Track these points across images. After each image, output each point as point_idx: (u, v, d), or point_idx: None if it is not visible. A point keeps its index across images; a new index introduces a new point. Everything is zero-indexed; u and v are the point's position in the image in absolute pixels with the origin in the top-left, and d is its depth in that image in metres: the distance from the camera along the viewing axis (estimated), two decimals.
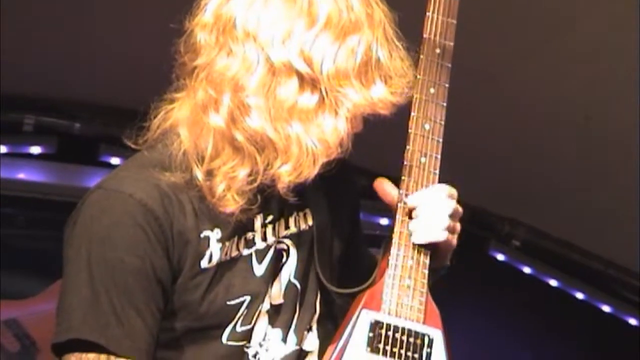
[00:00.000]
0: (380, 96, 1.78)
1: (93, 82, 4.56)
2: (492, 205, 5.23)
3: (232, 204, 1.79)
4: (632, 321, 5.33)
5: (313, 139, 1.76)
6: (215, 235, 1.84)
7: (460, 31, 2.01)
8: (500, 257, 5.37)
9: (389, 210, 1.97)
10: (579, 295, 5.36)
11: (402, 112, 1.88)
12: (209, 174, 1.80)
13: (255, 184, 1.79)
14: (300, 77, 1.75)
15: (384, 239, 1.98)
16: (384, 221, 4.77)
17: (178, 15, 1.85)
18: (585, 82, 4.33)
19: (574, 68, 4.28)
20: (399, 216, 1.91)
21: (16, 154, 4.83)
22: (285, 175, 1.77)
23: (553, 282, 5.35)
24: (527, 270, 5.38)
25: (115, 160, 4.75)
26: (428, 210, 1.90)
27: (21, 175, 4.84)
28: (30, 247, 4.73)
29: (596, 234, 5.13)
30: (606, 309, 5.35)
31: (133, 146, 1.86)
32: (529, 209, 5.22)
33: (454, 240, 1.93)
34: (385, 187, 1.93)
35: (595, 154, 4.70)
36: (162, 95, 1.87)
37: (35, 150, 4.84)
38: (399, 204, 1.91)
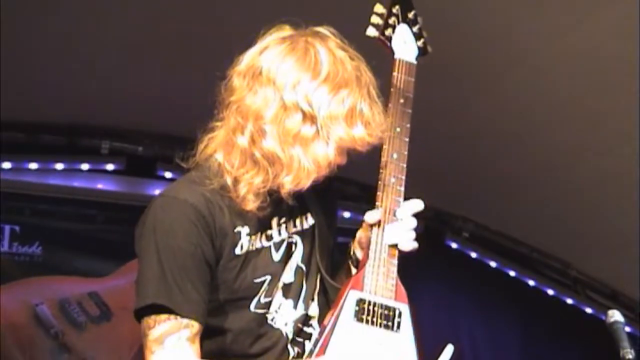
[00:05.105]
0: (359, 135, 1.91)
1: (152, 116, 4.95)
2: (448, 205, 5.48)
3: (251, 203, 1.94)
4: (550, 291, 5.72)
5: (309, 160, 1.89)
6: (245, 230, 1.98)
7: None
8: (454, 245, 5.71)
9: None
10: (512, 273, 5.73)
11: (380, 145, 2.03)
12: (236, 180, 1.94)
13: (266, 189, 1.94)
14: (303, 114, 1.89)
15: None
16: None
17: (215, 65, 1.99)
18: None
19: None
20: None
21: (95, 170, 5.20)
22: (287, 183, 1.91)
23: (492, 263, 5.72)
24: (473, 254, 5.71)
25: (168, 175, 5.14)
26: (408, 222, 2.01)
27: (99, 186, 5.21)
28: (106, 238, 5.07)
29: (533, 225, 5.35)
30: (531, 282, 5.73)
31: (185, 166, 2.00)
32: (476, 207, 5.48)
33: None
34: (370, 215, 2.06)
35: (531, 156, 4.69)
36: (202, 127, 2.00)
37: (110, 167, 5.21)
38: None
